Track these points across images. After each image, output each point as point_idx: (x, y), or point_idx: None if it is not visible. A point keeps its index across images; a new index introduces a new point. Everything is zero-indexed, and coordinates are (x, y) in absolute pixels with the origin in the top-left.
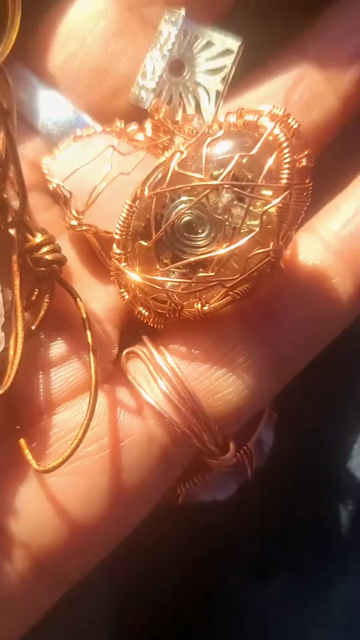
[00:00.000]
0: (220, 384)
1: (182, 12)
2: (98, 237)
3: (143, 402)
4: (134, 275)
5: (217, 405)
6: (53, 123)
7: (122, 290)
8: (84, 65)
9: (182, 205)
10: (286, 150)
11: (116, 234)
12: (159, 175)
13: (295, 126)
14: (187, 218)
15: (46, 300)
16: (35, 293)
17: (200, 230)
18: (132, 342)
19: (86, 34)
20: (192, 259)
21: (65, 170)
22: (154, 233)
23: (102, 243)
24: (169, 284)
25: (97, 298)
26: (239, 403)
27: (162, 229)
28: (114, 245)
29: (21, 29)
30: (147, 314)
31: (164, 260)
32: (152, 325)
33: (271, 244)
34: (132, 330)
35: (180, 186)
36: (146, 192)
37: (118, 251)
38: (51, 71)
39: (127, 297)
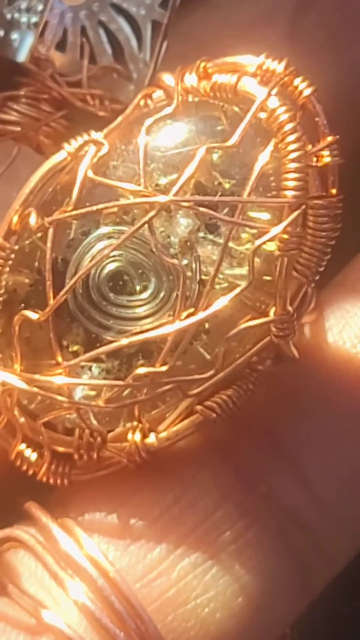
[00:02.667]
0: (190, 587)
1: None
2: None
3: (42, 626)
4: (10, 378)
5: (184, 629)
6: None
7: None
8: None
9: (104, 242)
10: (292, 137)
11: None
12: (56, 189)
13: (308, 92)
14: (113, 266)
15: None
16: None
17: (138, 288)
18: (5, 517)
19: None
20: (123, 340)
21: None
22: (51, 296)
23: None
24: (80, 390)
25: None
26: (227, 624)
27: (66, 289)
28: None
29: None
30: (34, 456)
31: (71, 347)
32: (44, 479)
33: (272, 309)
34: (4, 492)
35: (99, 206)
36: (32, 220)
37: None
38: None
39: None
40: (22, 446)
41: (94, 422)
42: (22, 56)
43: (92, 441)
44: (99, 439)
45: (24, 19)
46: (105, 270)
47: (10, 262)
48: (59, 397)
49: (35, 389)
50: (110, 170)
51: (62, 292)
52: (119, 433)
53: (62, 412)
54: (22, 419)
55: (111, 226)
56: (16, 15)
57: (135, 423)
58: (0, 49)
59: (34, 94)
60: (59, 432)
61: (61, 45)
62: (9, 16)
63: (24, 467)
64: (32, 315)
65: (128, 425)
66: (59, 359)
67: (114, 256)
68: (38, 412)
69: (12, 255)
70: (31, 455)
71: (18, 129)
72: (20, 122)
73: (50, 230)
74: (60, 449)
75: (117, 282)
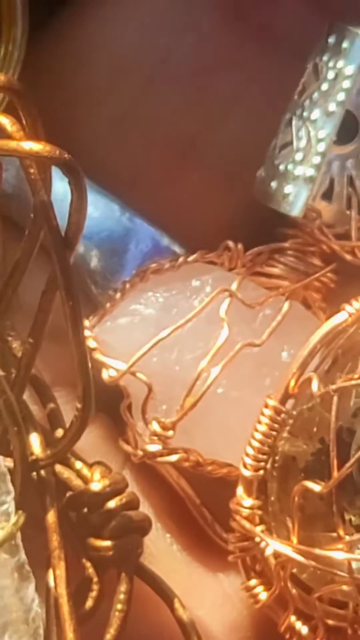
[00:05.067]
0: None
1: None
2: (194, 476)
3: None
4: (286, 550)
5: None
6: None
7: (254, 582)
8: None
9: None
10: None
11: (244, 466)
12: (338, 352)
13: None
14: None
15: (119, 610)
16: (95, 590)
17: None
18: None
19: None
20: None
21: (132, 342)
22: (335, 468)
23: (203, 487)
24: (357, 562)
25: (202, 603)
26: None
27: (352, 461)
28: (240, 490)
29: None
30: (304, 629)
31: (353, 519)
32: None
33: None
34: None
35: None
36: (314, 386)
37: (248, 501)
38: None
39: (263, 597)
40: (294, 619)
41: None
42: (297, 211)
43: None
44: None
45: (298, 172)
46: None
47: (287, 428)
48: (340, 572)
49: (313, 563)
50: None
51: (348, 464)
52: None
53: (339, 585)
54: (294, 591)
55: None
56: (290, 166)
57: None
58: (273, 201)
59: (300, 246)
60: (330, 604)
61: (327, 195)
62: (282, 168)
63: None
64: (315, 487)
65: None
66: (341, 532)
67: None
68: (309, 583)
69: (290, 421)
70: (302, 628)
71: (286, 283)
72: (287, 276)
73: (335, 399)
74: (332, 622)
75: None
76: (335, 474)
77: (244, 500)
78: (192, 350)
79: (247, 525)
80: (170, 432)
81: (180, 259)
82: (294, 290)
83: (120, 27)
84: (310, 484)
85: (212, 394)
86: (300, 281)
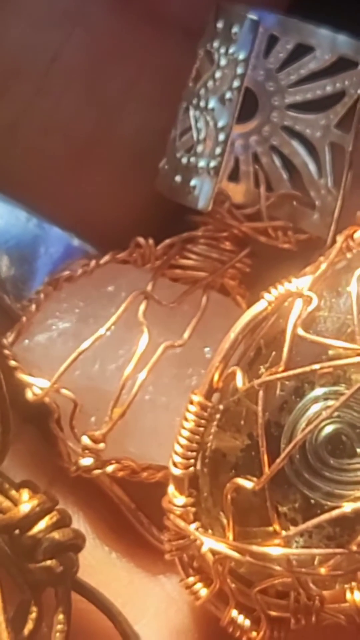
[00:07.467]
0: None
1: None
2: (128, 480)
3: None
4: (222, 547)
5: None
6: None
7: (192, 579)
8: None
9: (319, 405)
10: None
11: (174, 464)
12: (260, 343)
13: None
14: (331, 428)
15: (59, 630)
16: (34, 612)
17: (358, 450)
18: None
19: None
20: (346, 507)
21: (53, 358)
22: (266, 462)
23: (137, 490)
24: (297, 558)
25: (147, 609)
26: None
27: (282, 456)
28: (171, 489)
29: None
30: (247, 623)
31: (287, 513)
32: None
33: None
34: None
35: (313, 367)
36: (239, 381)
37: (180, 499)
38: None
39: (204, 593)
40: (235, 613)
41: (313, 586)
42: (203, 203)
43: (310, 604)
44: (317, 602)
45: (201, 164)
46: (323, 433)
47: (215, 422)
48: (277, 567)
49: (250, 559)
50: (319, 323)
51: (279, 460)
52: (336, 593)
53: (280, 578)
54: (234, 585)
55: (327, 387)
56: (192, 159)
57: (353, 583)
58: (178, 195)
59: (212, 232)
60: (270, 595)
61: (234, 175)
62: (184, 160)
63: (237, 634)
64: (247, 484)
65: (346, 585)
66: (277, 527)
67: (331, 417)
68: (249, 576)
69: (217, 415)
70: (244, 621)
71: (202, 274)
72: (201, 266)
73: (261, 393)
74: (274, 613)
75: (336, 444)
76: (266, 469)
77: (176, 498)
78: (114, 359)
79: (182, 523)
80: (102, 445)
81: (92, 263)
82: (210, 281)
83: (6, 28)
84: (242, 481)
85: (140, 401)
86: (215, 269)
